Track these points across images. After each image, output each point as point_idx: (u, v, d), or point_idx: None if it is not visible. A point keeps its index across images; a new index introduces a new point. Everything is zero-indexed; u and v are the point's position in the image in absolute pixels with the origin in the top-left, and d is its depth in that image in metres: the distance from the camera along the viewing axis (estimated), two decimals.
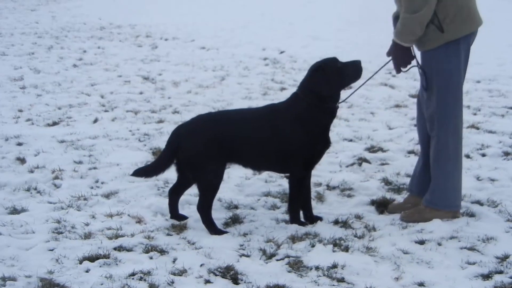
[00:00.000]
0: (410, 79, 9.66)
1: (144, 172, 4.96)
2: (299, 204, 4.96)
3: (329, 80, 4.76)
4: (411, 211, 5.00)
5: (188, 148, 4.73)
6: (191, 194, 5.28)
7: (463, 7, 4.67)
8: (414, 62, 4.87)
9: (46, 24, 15.81)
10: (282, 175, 5.76)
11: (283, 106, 4.91)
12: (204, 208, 4.80)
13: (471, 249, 4.46)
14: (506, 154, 6.44)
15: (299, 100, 4.82)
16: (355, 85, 5.01)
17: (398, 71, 4.87)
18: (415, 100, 8.49)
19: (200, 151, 4.72)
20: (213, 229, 4.77)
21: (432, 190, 4.95)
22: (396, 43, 4.74)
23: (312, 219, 4.97)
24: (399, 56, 4.81)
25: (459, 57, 4.75)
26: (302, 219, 4.96)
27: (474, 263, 4.27)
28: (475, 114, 7.87)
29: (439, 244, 4.53)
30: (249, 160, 4.91)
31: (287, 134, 4.77)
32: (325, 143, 4.88)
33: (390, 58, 4.89)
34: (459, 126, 4.87)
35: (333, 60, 4.88)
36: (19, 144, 6.83)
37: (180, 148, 4.75)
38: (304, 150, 4.79)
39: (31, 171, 6.04)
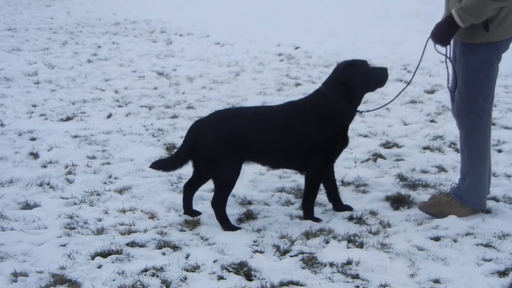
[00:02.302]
0: (426, 75, 9.59)
1: (163, 165, 4.92)
2: (313, 200, 4.94)
3: (359, 79, 4.79)
4: (431, 202, 4.95)
5: (205, 143, 4.69)
6: (205, 190, 5.25)
7: (510, 11, 4.61)
8: (445, 50, 4.77)
9: (61, 20, 15.85)
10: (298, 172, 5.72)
11: (305, 102, 4.89)
12: (219, 204, 4.76)
13: (487, 245, 4.40)
14: None
15: (323, 97, 4.82)
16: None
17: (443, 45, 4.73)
18: (430, 96, 8.52)
19: (217, 147, 4.68)
20: (226, 225, 4.73)
21: (464, 185, 4.89)
22: (450, 19, 4.56)
23: (344, 208, 5.00)
24: (445, 34, 4.64)
25: (495, 58, 4.71)
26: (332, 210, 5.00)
27: (490, 260, 4.20)
28: None
29: (455, 241, 4.47)
30: (268, 157, 4.88)
31: (309, 131, 4.75)
32: (344, 141, 4.89)
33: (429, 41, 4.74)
34: (487, 123, 4.84)
35: (364, 62, 4.93)
36: (33, 139, 6.82)
37: (197, 143, 4.71)
38: (324, 148, 4.78)
39: (44, 166, 6.02)
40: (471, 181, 4.85)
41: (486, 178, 4.91)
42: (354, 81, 4.78)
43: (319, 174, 4.89)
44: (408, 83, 5.31)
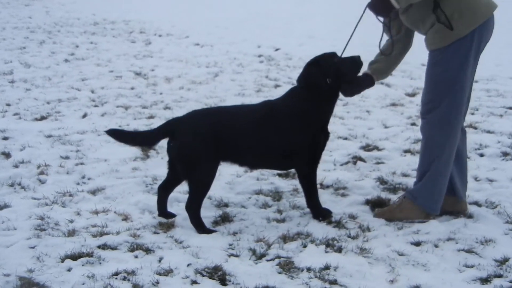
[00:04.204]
0: (407, 78, 9.53)
1: (119, 134, 4.83)
2: (317, 198, 4.83)
3: (325, 74, 4.65)
4: (384, 209, 4.89)
5: (183, 143, 4.55)
6: (180, 192, 5.13)
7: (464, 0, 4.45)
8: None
9: (39, 19, 15.69)
10: (275, 172, 5.61)
11: (282, 101, 4.79)
12: (193, 207, 4.62)
13: (469, 251, 4.30)
14: (505, 154, 6.28)
15: (296, 95, 4.73)
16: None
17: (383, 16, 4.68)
18: (411, 99, 8.45)
19: (195, 147, 4.53)
20: (201, 228, 4.60)
21: (419, 185, 4.77)
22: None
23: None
24: (380, 5, 4.53)
25: (468, 55, 4.52)
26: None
27: (472, 266, 4.10)
28: (473, 113, 7.71)
29: (436, 246, 4.37)
30: (246, 158, 4.75)
31: (287, 131, 4.64)
32: (325, 135, 4.79)
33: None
34: (457, 128, 4.68)
35: (331, 55, 4.78)
36: (5, 138, 6.68)
37: (174, 142, 4.58)
38: (306, 147, 4.69)
39: (16, 166, 5.87)
40: (426, 182, 4.73)
41: (444, 182, 4.74)
42: (319, 78, 4.65)
43: (311, 172, 4.79)
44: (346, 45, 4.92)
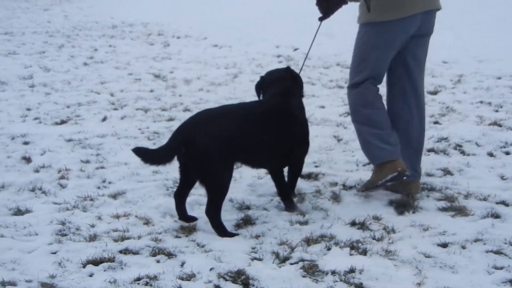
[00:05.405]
0: (429, 76, 9.41)
1: (145, 154, 4.58)
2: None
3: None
4: (365, 183, 5.22)
5: (196, 146, 4.44)
6: (201, 195, 5.07)
7: None
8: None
9: (58, 23, 15.75)
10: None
11: (278, 105, 4.97)
12: (213, 211, 4.55)
13: (498, 252, 4.20)
14: None
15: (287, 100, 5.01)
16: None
17: (325, 17, 5.12)
18: (433, 97, 8.34)
19: (209, 149, 4.44)
20: (223, 232, 4.54)
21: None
22: None
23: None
24: (330, 7, 5.04)
25: (380, 40, 4.92)
26: None
27: (501, 268, 4.00)
28: (496, 111, 7.60)
29: (463, 247, 4.28)
30: (253, 157, 4.78)
31: (288, 131, 4.86)
32: None
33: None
34: (371, 98, 5.06)
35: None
36: (26, 143, 6.66)
37: (186, 146, 4.46)
38: (305, 141, 5.01)
39: (37, 171, 5.85)
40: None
41: (364, 136, 5.08)
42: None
43: (302, 165, 5.08)
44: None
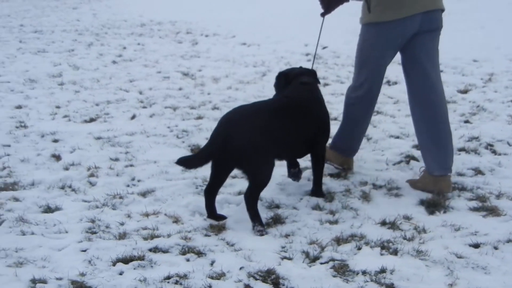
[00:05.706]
0: (459, 74, 9.33)
1: (188, 162, 4.65)
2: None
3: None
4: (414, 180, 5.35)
5: (241, 139, 4.47)
6: (231, 193, 5.07)
7: None
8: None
9: (87, 22, 15.85)
10: (326, 173, 5.52)
11: (308, 95, 5.19)
12: (252, 197, 4.58)
13: None
14: None
15: (315, 90, 5.30)
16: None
17: (326, 13, 5.38)
18: (463, 96, 8.26)
19: (254, 141, 4.49)
20: (256, 219, 4.55)
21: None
22: None
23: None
24: (331, 4, 5.30)
25: (378, 40, 5.04)
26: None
27: None
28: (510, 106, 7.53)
29: (496, 248, 4.23)
30: (286, 150, 4.91)
31: (317, 119, 5.10)
32: None
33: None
34: (365, 99, 5.33)
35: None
36: (55, 141, 6.69)
37: (231, 138, 4.47)
38: (328, 129, 5.22)
39: (66, 169, 5.87)
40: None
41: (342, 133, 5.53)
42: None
43: (325, 154, 5.26)
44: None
